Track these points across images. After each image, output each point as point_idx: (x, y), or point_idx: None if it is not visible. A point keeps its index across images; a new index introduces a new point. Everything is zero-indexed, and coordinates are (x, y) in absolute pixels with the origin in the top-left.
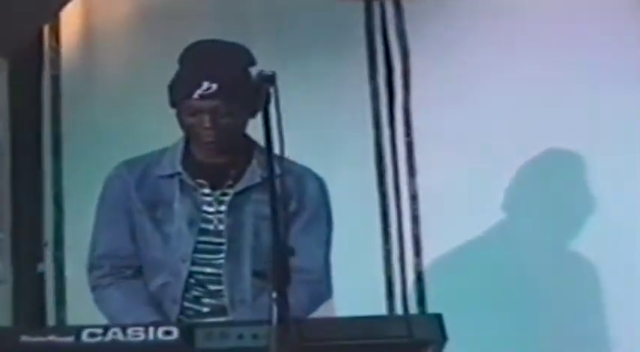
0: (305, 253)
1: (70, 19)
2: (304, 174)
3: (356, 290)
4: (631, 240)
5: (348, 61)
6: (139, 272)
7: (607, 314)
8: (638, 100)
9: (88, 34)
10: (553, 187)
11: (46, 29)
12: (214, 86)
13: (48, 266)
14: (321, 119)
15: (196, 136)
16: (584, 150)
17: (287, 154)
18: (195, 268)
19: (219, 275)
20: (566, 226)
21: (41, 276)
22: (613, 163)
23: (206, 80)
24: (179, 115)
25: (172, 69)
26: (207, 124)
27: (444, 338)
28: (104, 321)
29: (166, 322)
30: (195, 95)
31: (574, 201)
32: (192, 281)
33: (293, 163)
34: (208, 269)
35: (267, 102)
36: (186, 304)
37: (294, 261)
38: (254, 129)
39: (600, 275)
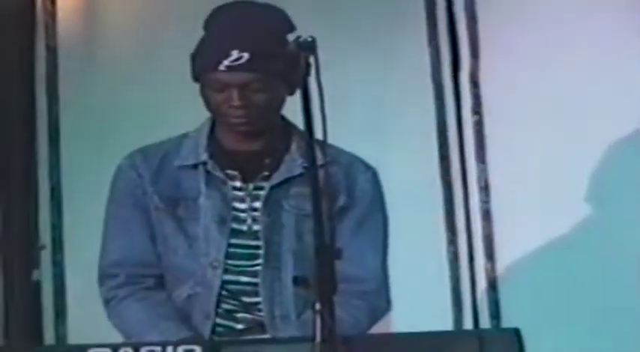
0: (358, 258)
1: None
2: (353, 164)
3: (417, 301)
4: None
5: (403, 23)
6: (161, 281)
7: None
8: None
9: None
10: None
11: None
12: (245, 55)
13: (45, 274)
14: (371, 95)
15: (224, 116)
16: None
17: (331, 138)
18: (228, 276)
19: (255, 284)
20: None
21: (37, 285)
22: None
23: (235, 48)
24: (203, 91)
25: (193, 37)
26: (237, 102)
27: None
28: (112, 338)
29: (188, 339)
30: (222, 66)
31: None
32: (224, 292)
33: (339, 150)
34: (243, 278)
35: (307, 74)
36: (217, 320)
37: (346, 268)
38: (289, 110)
39: None
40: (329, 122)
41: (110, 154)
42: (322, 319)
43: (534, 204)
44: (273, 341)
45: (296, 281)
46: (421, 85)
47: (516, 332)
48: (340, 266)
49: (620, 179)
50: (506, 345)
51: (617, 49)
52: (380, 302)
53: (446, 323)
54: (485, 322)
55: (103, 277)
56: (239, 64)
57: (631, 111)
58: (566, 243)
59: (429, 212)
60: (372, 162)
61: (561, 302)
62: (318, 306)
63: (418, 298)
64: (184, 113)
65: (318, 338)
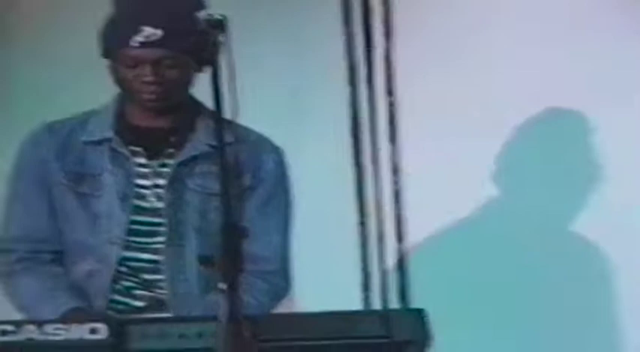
0: (262, 238)
1: None
2: (260, 143)
3: (326, 282)
4: None
5: (316, 1)
6: (59, 257)
7: (621, 315)
8: None
9: None
10: (556, 156)
11: None
12: (159, 32)
13: None
14: (282, 75)
15: (134, 92)
16: (593, 112)
17: (242, 119)
18: (128, 253)
19: (156, 262)
20: (572, 203)
21: None
22: (623, 126)
23: (148, 25)
24: (113, 67)
25: (103, 13)
26: (150, 78)
27: (427, 337)
28: (17, 315)
29: (93, 317)
30: (135, 42)
31: (581, 172)
32: (123, 269)
33: (247, 129)
34: (144, 255)
35: (217, 52)
36: (115, 296)
37: (249, 248)
38: (200, 90)
39: (614, 264)
40: (240, 102)
41: (18, 130)
42: (227, 298)
43: (445, 186)
44: (179, 319)
45: (201, 259)
46: (334, 65)
47: (421, 313)
48: (245, 245)
49: (527, 162)
50: (411, 325)
51: (535, 32)
52: (282, 282)
53: (355, 304)
54: (393, 303)
55: (1, 251)
56: (153, 41)
57: (542, 95)
58: (476, 225)
59: (340, 193)
60: (283, 143)
61: (470, 283)
62: (223, 285)
63: (327, 279)
64: (93, 89)
65: (224, 318)
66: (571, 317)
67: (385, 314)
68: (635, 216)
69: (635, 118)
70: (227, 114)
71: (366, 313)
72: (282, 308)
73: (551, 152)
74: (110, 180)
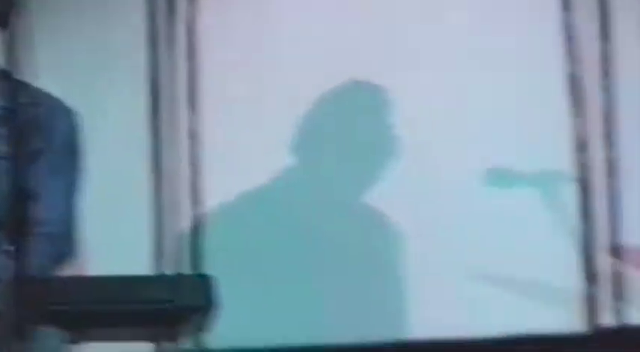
0: (48, 201)
1: None
2: (53, 106)
3: (120, 246)
4: (436, 191)
5: None
6: None
7: (409, 285)
8: (448, 29)
9: None
10: (352, 128)
11: None
12: None
13: None
14: (82, 38)
15: None
16: (389, 84)
17: (38, 81)
18: None
19: None
20: (366, 174)
21: None
22: (420, 98)
23: None
24: None
25: None
26: None
27: (212, 303)
28: None
29: None
30: None
31: (375, 142)
32: None
33: (42, 92)
34: None
35: (14, 13)
36: None
37: (36, 210)
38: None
39: (405, 234)
40: (37, 64)
41: None
42: (13, 260)
43: (243, 154)
44: None
45: None
46: (135, 29)
47: (208, 279)
48: (32, 208)
49: (324, 133)
50: (196, 291)
51: (333, 3)
52: (66, 245)
53: (148, 270)
54: (186, 269)
55: None
56: None
57: (340, 66)
58: (272, 194)
59: (136, 157)
60: (80, 106)
61: (264, 250)
62: (9, 247)
63: (121, 244)
64: None
65: (9, 280)
66: (362, 284)
67: (172, 279)
68: (428, 187)
69: (431, 90)
70: (23, 76)
71: (154, 278)
72: (75, 273)
73: (348, 124)
74: None
